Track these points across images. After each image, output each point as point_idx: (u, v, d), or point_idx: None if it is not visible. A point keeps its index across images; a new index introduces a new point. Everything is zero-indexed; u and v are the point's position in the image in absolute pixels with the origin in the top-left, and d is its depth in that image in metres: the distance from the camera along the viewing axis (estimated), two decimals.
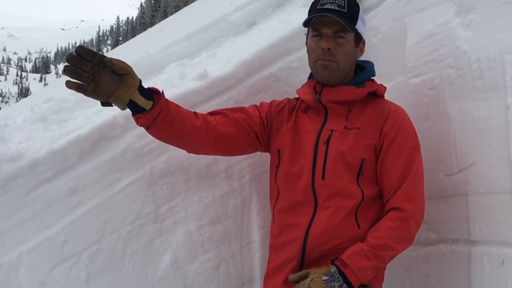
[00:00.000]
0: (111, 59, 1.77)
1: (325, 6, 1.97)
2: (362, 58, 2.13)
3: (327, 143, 1.99)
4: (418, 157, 1.97)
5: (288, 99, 2.19)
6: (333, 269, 1.80)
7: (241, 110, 2.15)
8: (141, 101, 1.85)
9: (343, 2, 1.98)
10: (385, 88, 2.12)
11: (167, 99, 1.95)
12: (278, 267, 1.99)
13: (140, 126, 1.96)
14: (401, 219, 1.87)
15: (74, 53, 1.73)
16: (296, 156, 2.04)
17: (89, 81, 1.75)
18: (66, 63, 1.74)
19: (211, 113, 2.12)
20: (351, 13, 1.99)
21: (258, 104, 2.19)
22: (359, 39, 2.05)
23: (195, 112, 2.07)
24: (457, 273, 2.16)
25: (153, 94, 1.90)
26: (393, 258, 1.91)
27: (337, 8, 1.97)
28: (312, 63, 2.05)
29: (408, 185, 1.91)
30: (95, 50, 1.85)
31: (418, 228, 1.93)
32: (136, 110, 1.89)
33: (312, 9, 2.02)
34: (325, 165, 1.97)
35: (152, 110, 1.88)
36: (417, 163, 1.95)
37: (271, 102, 2.20)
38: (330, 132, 2.00)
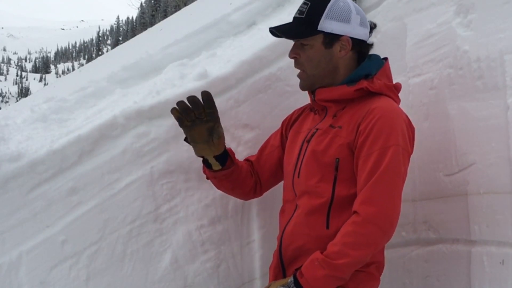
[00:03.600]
0: (219, 130, 2.02)
1: (293, 15, 2.00)
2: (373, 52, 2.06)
3: (309, 141, 1.99)
4: (390, 157, 1.79)
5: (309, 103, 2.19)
6: (290, 279, 1.80)
7: (266, 147, 2.24)
8: (212, 162, 2.07)
9: (305, 7, 1.96)
10: (385, 85, 1.96)
11: (236, 165, 2.12)
12: (271, 264, 2.07)
13: (204, 173, 2.16)
14: (357, 223, 1.76)
15: (203, 96, 1.97)
16: (290, 153, 2.08)
17: (189, 120, 1.98)
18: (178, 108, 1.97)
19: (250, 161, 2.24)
20: (311, 17, 1.93)
21: (280, 127, 2.24)
22: (332, 39, 1.94)
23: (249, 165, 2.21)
24: (457, 273, 2.16)
25: (227, 158, 2.08)
26: (354, 266, 1.78)
27: (297, 15, 1.98)
28: None
29: (369, 187, 1.78)
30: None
31: (385, 234, 1.78)
32: (207, 164, 2.10)
33: None
34: (301, 164, 1.97)
35: (217, 173, 2.09)
36: (387, 163, 1.79)
37: (293, 112, 2.24)
38: (315, 130, 1.99)
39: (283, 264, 1.97)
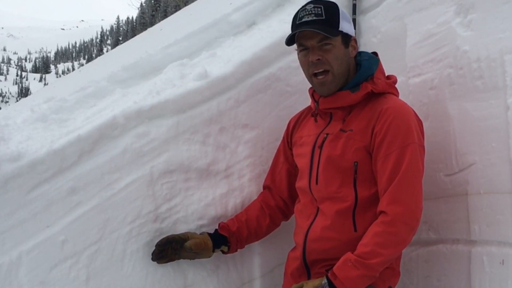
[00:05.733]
0: (184, 239, 2.11)
1: (303, 20, 1.98)
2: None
3: (321, 147, 2.01)
4: (410, 155, 1.87)
5: (305, 108, 2.23)
6: (324, 281, 1.85)
7: (275, 168, 2.27)
8: (219, 251, 2.17)
9: (319, 9, 1.96)
10: (386, 83, 2.02)
11: (236, 231, 2.18)
12: (289, 262, 2.13)
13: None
14: (386, 223, 1.83)
15: (156, 247, 2.09)
16: (301, 158, 2.11)
17: (173, 256, 2.12)
18: (152, 256, 2.10)
19: (266, 188, 2.29)
20: (331, 17, 1.97)
21: (282, 141, 2.27)
22: (347, 39, 2.02)
23: (260, 204, 2.25)
24: (457, 273, 2.16)
25: (226, 238, 2.16)
26: (385, 264, 1.87)
27: (315, 18, 1.97)
28: (309, 77, 2.06)
29: (394, 187, 1.85)
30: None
31: (412, 230, 1.87)
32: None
33: (292, 26, 2.03)
34: (318, 170, 2.01)
35: (230, 250, 2.19)
36: (408, 162, 1.86)
37: (288, 123, 2.25)
38: (325, 135, 2.02)
39: (307, 266, 2.02)
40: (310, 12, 1.97)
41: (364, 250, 1.82)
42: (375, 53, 2.11)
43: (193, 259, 2.15)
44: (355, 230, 1.92)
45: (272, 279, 2.39)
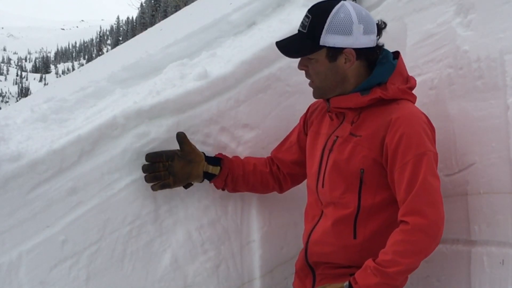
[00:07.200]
0: (175, 151, 2.11)
1: (298, 28, 1.99)
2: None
3: (330, 150, 1.99)
4: (426, 164, 1.83)
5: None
6: (346, 284, 1.84)
7: (285, 142, 2.26)
8: (210, 169, 2.15)
9: (307, 20, 1.93)
10: (399, 89, 1.94)
11: (231, 161, 2.19)
12: (297, 261, 2.13)
13: (218, 189, 2.22)
14: (406, 231, 1.79)
15: (146, 162, 2.09)
16: (312, 157, 2.10)
17: (167, 177, 2.11)
18: (144, 173, 2.09)
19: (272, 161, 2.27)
20: (312, 31, 1.91)
21: (299, 123, 2.24)
22: (335, 52, 1.92)
23: (264, 160, 2.26)
24: (457, 273, 2.16)
25: (219, 160, 2.17)
26: (405, 273, 1.82)
27: (300, 29, 1.96)
28: None
29: (413, 198, 1.81)
30: None
31: (435, 240, 1.82)
32: (210, 177, 2.17)
33: None
34: (324, 174, 2.00)
35: (221, 174, 2.16)
36: (425, 171, 1.82)
37: (308, 108, 2.22)
38: (335, 138, 1.99)
39: (311, 267, 2.03)
40: (302, 21, 1.97)
41: (384, 258, 1.79)
42: (397, 53, 2.03)
43: (186, 176, 2.12)
44: (355, 238, 1.91)
45: (272, 279, 2.39)
